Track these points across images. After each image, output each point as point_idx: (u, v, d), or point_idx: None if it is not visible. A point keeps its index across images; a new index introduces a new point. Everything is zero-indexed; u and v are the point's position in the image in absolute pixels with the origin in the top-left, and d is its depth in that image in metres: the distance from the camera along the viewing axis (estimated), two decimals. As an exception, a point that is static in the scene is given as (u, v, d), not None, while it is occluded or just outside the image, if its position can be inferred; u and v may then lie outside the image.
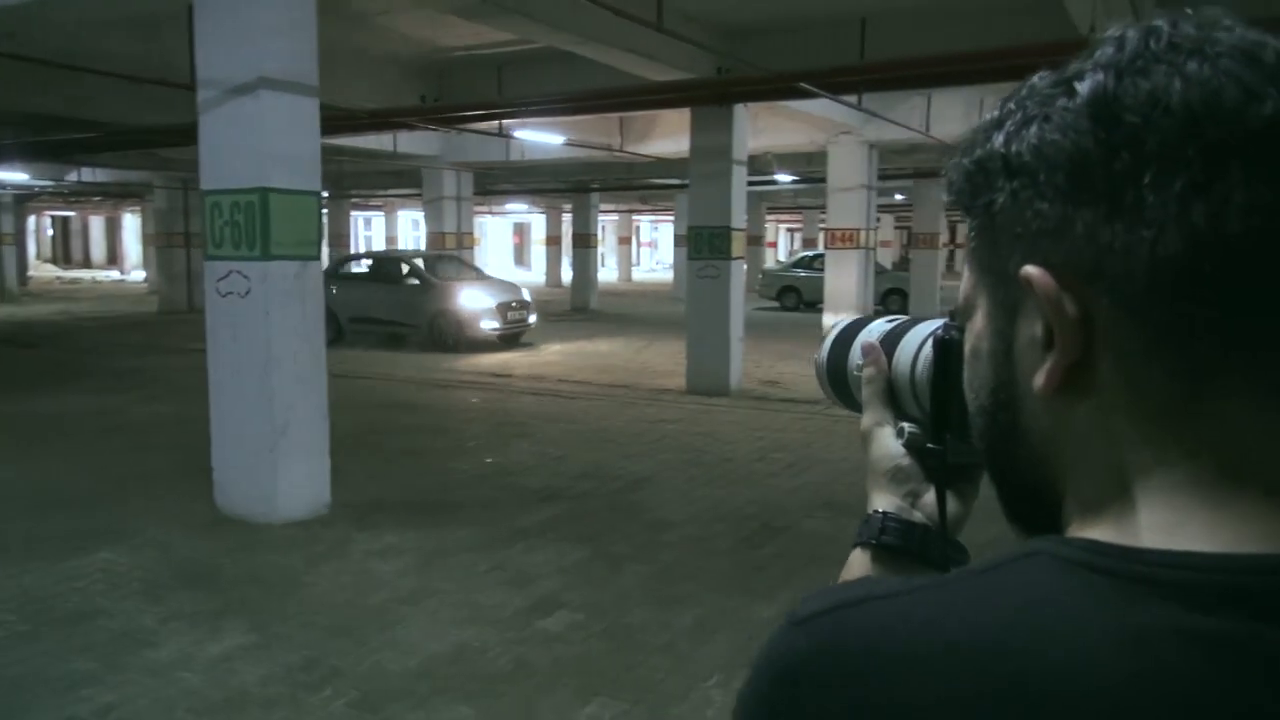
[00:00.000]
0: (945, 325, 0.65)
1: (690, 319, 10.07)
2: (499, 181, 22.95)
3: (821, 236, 34.81)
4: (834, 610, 0.47)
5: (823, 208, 16.59)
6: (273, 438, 5.19)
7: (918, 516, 0.69)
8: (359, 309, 13.84)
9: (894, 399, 0.71)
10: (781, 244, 46.92)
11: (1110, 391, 0.45)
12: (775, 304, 22.70)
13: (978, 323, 0.53)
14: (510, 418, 8.59)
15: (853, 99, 9.40)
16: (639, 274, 40.57)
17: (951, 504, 0.69)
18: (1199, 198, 0.41)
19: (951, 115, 12.57)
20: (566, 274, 26.81)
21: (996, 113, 0.49)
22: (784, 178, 18.35)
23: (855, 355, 0.73)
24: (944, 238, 20.23)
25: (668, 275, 34.16)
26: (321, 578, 4.52)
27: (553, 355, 13.44)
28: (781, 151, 15.34)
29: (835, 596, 0.48)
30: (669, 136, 13.43)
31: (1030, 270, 0.46)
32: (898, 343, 0.70)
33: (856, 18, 8.66)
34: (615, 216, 38.76)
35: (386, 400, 9.45)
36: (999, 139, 0.48)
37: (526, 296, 14.34)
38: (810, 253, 23.82)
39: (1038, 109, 0.46)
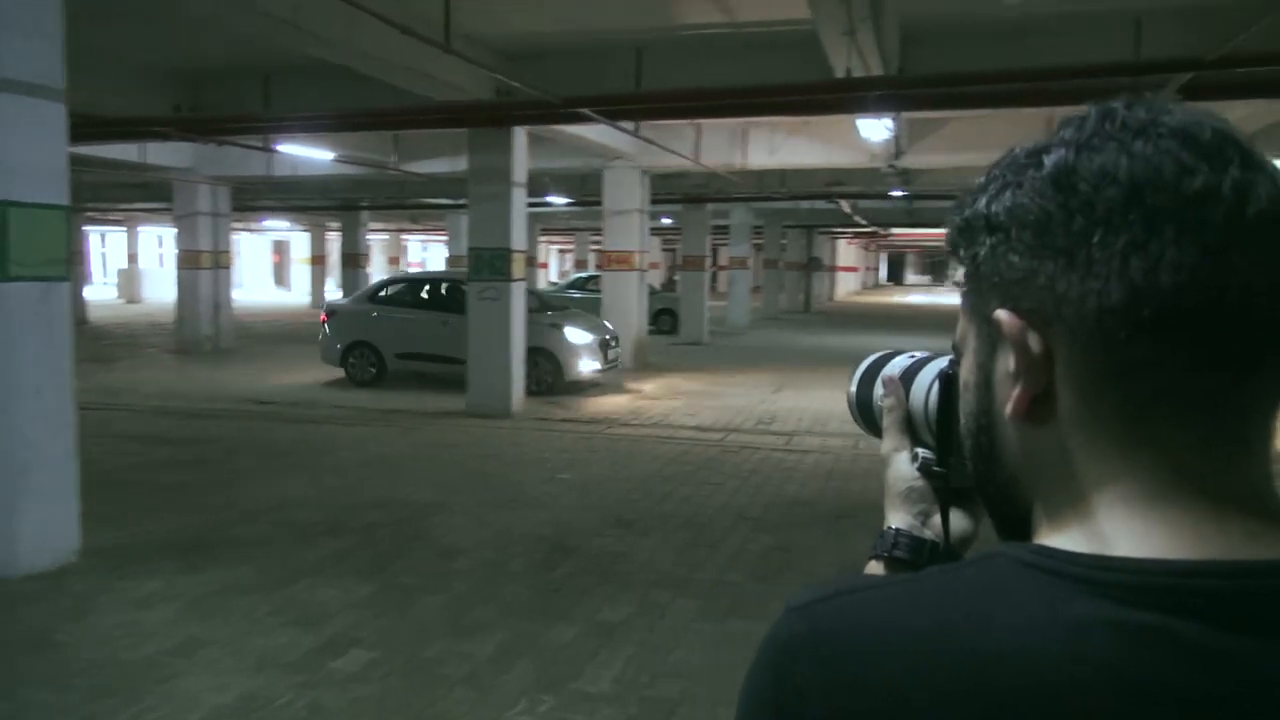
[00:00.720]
0: (950, 362, 0.72)
1: (471, 341, 9.96)
2: (260, 197, 21.70)
3: (593, 258, 35.28)
4: (825, 599, 0.54)
5: (594, 230, 16.87)
6: (11, 481, 4.64)
7: (928, 534, 0.77)
8: (409, 343, 11.62)
9: (911, 428, 0.78)
10: (553, 265, 47.35)
11: (1068, 419, 0.53)
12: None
13: (967, 358, 0.60)
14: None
15: (630, 125, 9.69)
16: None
17: (961, 522, 0.78)
18: (1137, 255, 0.49)
19: (718, 145, 13.26)
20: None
21: (983, 178, 0.57)
22: (558, 200, 18.56)
23: (879, 388, 0.81)
24: (709, 261, 21.17)
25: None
26: (77, 634, 4.08)
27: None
28: (557, 174, 15.53)
29: (827, 587, 0.55)
30: (445, 156, 13.25)
31: (1001, 313, 0.54)
32: (914, 377, 0.78)
33: (633, 48, 8.96)
34: (385, 235, 37.66)
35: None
36: (983, 201, 0.55)
37: (614, 330, 12.41)
38: (584, 274, 24.21)
39: (1013, 177, 0.54)
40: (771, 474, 7.38)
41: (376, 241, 35.77)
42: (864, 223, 25.66)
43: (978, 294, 0.57)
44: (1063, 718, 0.46)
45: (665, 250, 37.05)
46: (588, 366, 11.27)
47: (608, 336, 11.89)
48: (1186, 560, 0.49)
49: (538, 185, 15.21)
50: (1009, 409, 0.55)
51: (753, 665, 0.55)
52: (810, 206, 21.86)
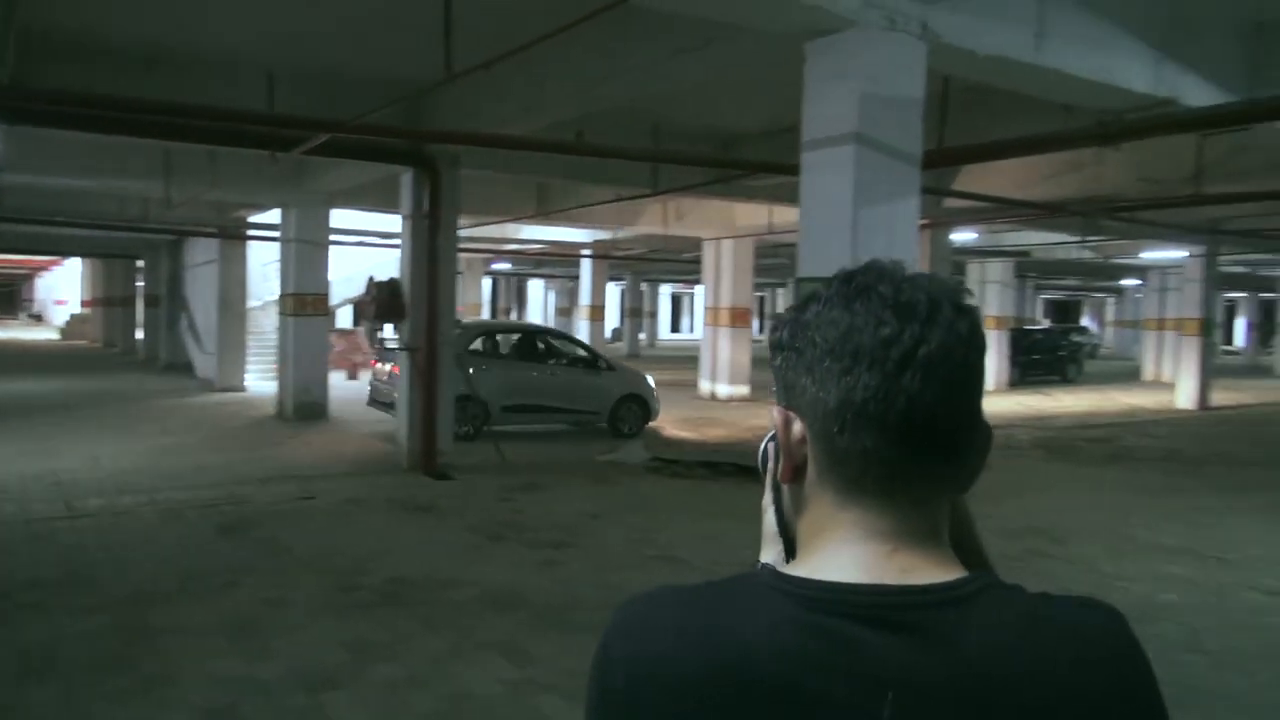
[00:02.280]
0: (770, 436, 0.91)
1: None
2: None
3: None
4: (632, 601, 0.83)
5: None
6: None
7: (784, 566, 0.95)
8: (514, 394, 11.81)
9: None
10: None
11: (811, 485, 0.83)
12: None
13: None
14: None
15: None
16: None
17: None
18: (845, 377, 0.78)
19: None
20: None
21: (788, 313, 0.86)
22: None
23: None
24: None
25: None
26: None
27: None
28: None
29: (646, 592, 0.84)
30: None
31: (774, 408, 0.85)
32: None
33: None
34: None
35: None
36: (782, 330, 0.85)
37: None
38: None
39: (790, 316, 0.85)
40: None
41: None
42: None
43: (779, 391, 0.85)
44: (764, 680, 0.74)
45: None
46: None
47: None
48: (850, 583, 0.78)
49: None
50: (777, 468, 0.85)
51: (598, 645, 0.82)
52: None
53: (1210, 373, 18.82)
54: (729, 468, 10.12)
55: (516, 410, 11.82)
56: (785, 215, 15.34)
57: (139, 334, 25.67)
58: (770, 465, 0.89)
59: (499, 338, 13.12)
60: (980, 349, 0.81)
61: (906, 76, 5.13)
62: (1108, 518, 8.27)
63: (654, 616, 0.81)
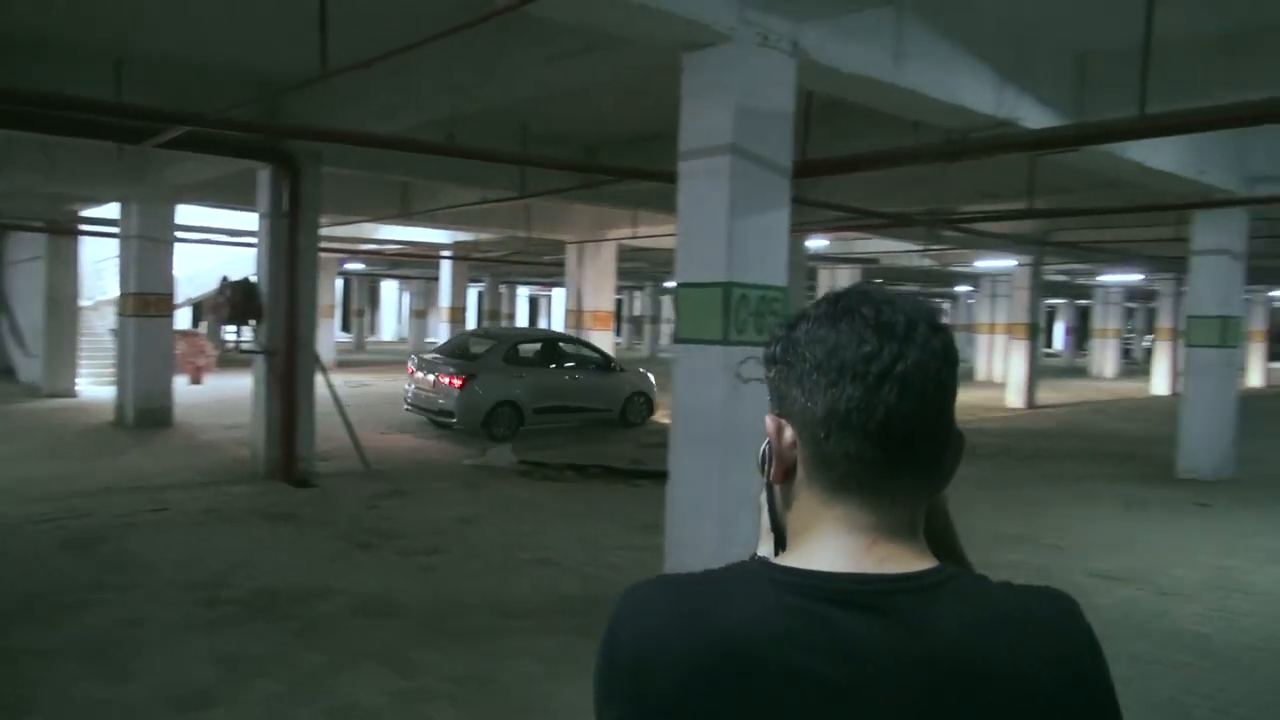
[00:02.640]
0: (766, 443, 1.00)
1: None
2: None
3: None
4: (635, 588, 0.92)
5: None
6: None
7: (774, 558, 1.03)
8: (545, 397, 13.16)
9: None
10: None
11: (802, 485, 0.92)
12: None
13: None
14: None
15: None
16: None
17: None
18: (832, 389, 0.87)
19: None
20: None
21: (780, 329, 0.94)
22: None
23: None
24: None
25: None
26: None
27: None
28: None
29: (649, 579, 0.93)
30: None
31: (768, 416, 0.93)
32: None
33: None
34: None
35: None
36: (775, 346, 0.93)
37: None
38: None
39: (781, 333, 0.93)
40: None
41: None
42: None
43: (771, 400, 0.94)
44: (753, 656, 0.83)
45: None
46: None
47: None
48: (833, 572, 0.87)
49: None
50: (769, 472, 0.94)
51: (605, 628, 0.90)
52: None
53: (1036, 373, 20.29)
54: (596, 469, 10.22)
55: (546, 411, 13.17)
56: (649, 221, 15.60)
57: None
58: (767, 468, 0.96)
59: (523, 346, 14.08)
60: (953, 364, 0.89)
61: (779, 91, 5.35)
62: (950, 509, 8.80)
63: (656, 601, 0.89)
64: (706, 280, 5.26)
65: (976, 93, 6.59)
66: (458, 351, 13.60)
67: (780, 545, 0.96)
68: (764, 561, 0.92)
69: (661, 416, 13.84)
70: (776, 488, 0.95)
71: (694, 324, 5.35)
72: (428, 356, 13.38)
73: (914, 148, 7.91)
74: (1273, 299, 31.99)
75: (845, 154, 7.72)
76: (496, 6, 4.64)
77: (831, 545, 0.89)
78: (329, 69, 5.69)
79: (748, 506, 5.30)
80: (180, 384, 18.67)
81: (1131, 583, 6.36)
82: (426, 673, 4.49)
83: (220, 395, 16.65)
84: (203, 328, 29.00)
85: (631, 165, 9.02)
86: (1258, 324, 29.70)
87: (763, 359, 0.97)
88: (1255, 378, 28.30)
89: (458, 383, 12.30)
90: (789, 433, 0.90)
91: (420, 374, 13.10)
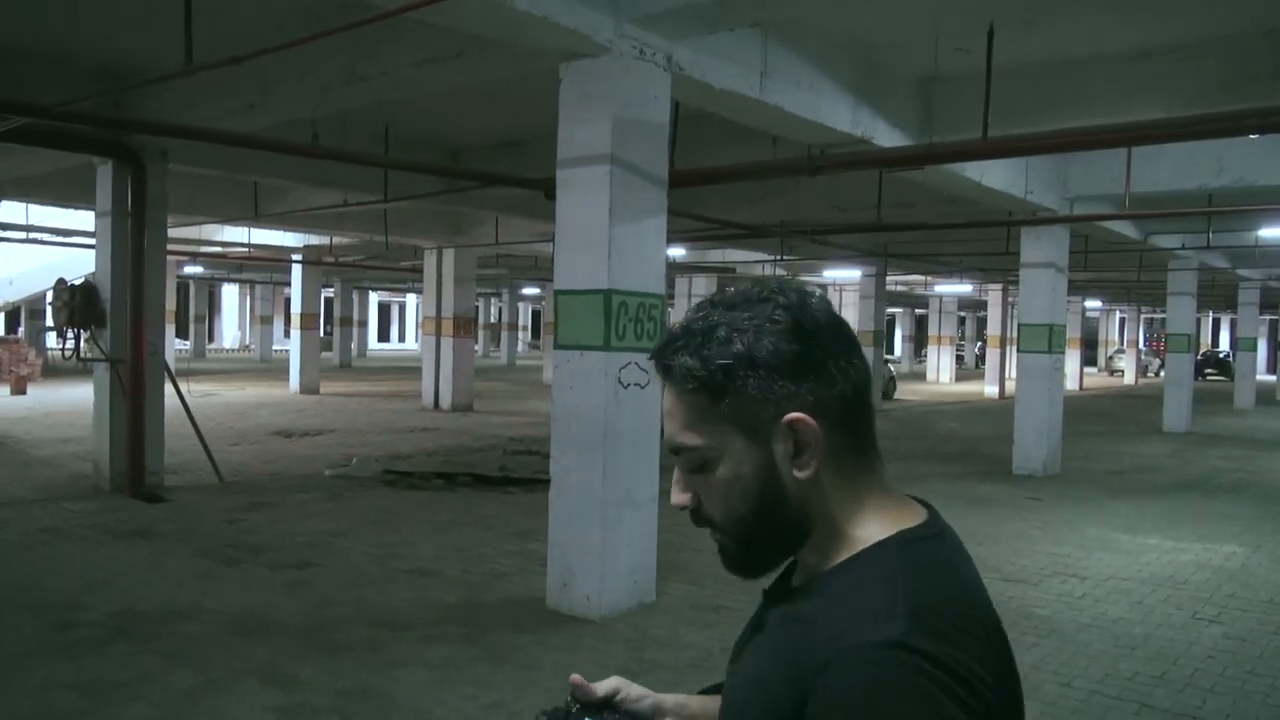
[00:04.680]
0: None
1: None
2: None
3: None
4: (902, 618, 0.88)
5: None
6: None
7: None
8: None
9: None
10: None
11: (830, 469, 0.97)
12: None
13: (727, 464, 0.97)
14: None
15: None
16: None
17: None
18: (853, 367, 0.97)
19: None
20: None
21: (703, 327, 0.97)
22: None
23: None
24: None
25: None
26: None
27: None
28: None
29: (892, 624, 0.88)
30: None
31: (794, 415, 0.94)
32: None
33: None
34: None
35: None
36: (737, 345, 0.95)
37: None
38: None
39: (749, 326, 0.95)
40: None
41: None
42: None
43: (742, 412, 0.95)
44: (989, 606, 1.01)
45: None
46: None
47: None
48: (907, 527, 0.98)
49: None
50: (803, 472, 0.95)
51: (897, 700, 0.84)
52: None
53: (882, 379, 21.37)
54: (464, 478, 10.13)
55: None
56: (511, 226, 15.54)
57: None
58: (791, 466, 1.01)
59: None
60: None
61: (655, 104, 5.53)
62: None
63: (930, 606, 0.88)
64: (587, 287, 5.36)
65: (834, 112, 6.96)
66: None
67: (796, 543, 1.00)
68: (902, 534, 0.96)
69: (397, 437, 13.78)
70: (794, 482, 0.96)
71: (575, 331, 5.44)
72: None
73: (779, 162, 8.28)
74: (1087, 309, 34.79)
75: (712, 166, 7.99)
76: (384, 9, 4.58)
77: (882, 510, 0.98)
78: (192, 66, 5.45)
79: (630, 507, 5.44)
80: (1, 395, 17.34)
81: (982, 573, 6.82)
82: (309, 688, 4.38)
83: (50, 407, 15.51)
84: (21, 333, 26.86)
85: (501, 171, 9.01)
86: (1073, 331, 32.25)
87: (720, 368, 0.94)
88: (1071, 382, 30.69)
89: None
90: (817, 424, 0.94)
91: None
